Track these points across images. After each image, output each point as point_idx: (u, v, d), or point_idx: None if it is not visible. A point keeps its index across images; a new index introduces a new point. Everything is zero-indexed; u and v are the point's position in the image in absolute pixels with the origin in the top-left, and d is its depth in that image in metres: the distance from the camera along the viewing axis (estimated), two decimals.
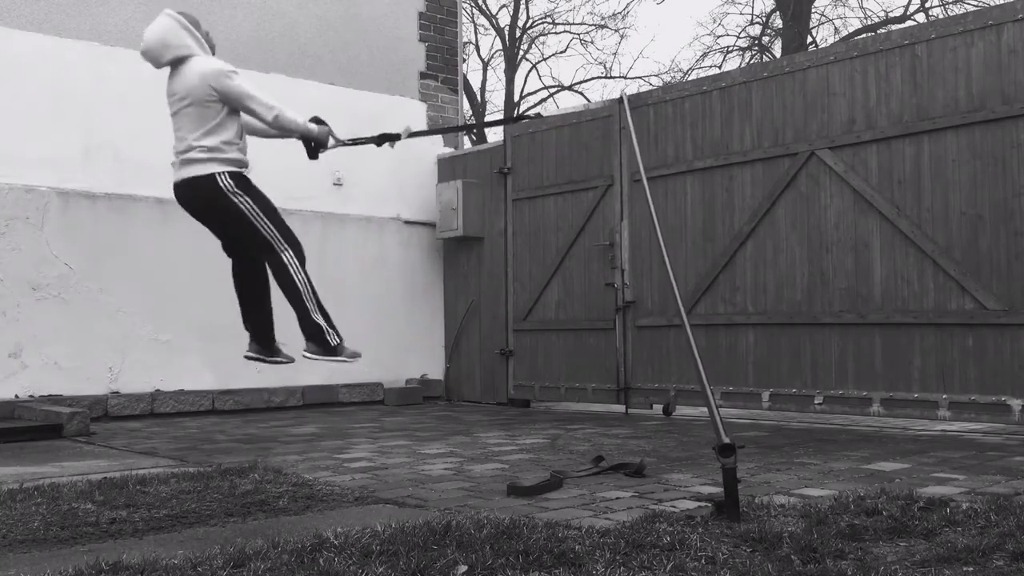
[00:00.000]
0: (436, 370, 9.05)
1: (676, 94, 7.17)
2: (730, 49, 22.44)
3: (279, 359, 5.67)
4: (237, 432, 6.25)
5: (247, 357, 5.58)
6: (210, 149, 4.87)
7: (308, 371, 7.19)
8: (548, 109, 27.15)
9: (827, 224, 6.20)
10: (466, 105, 23.61)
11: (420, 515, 3.13)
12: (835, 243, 6.16)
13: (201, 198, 4.98)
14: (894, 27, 15.07)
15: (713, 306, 6.80)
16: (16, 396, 6.79)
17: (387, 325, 8.73)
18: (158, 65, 5.08)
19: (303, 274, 5.08)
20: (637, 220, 7.30)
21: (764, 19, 22.35)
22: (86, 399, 6.95)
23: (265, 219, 5.01)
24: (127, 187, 7.43)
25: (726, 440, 3.15)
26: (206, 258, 7.18)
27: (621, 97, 7.28)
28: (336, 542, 2.63)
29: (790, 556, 2.48)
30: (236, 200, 4.89)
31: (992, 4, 11.30)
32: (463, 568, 2.37)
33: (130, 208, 7.45)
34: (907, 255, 5.82)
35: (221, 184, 4.86)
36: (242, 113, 4.98)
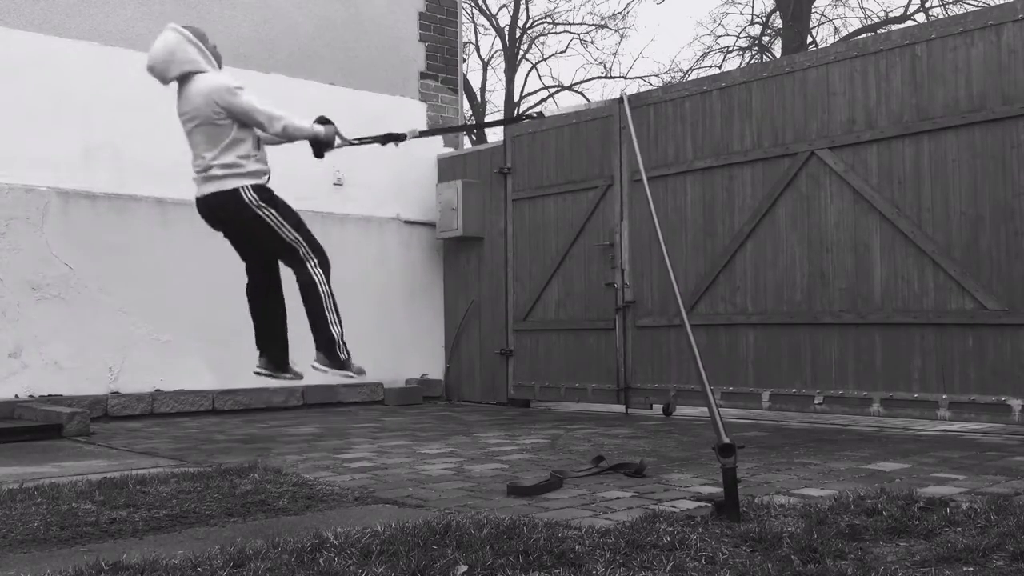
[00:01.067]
0: (436, 370, 9.05)
1: (676, 94, 7.17)
2: (730, 49, 22.44)
3: (288, 375, 5.73)
4: (237, 432, 6.25)
5: (257, 373, 5.65)
6: (229, 166, 4.90)
7: (308, 371, 7.19)
8: (548, 109, 27.16)
9: (827, 224, 6.20)
10: (466, 105, 23.60)
11: (420, 515, 3.13)
12: (835, 243, 6.16)
13: (225, 212, 5.04)
14: (894, 27, 15.07)
15: (713, 306, 6.80)
16: (16, 396, 6.79)
17: (387, 325, 8.73)
18: (165, 81, 5.07)
19: (326, 283, 5.16)
20: (637, 220, 7.30)
21: (764, 19, 22.35)
22: (86, 399, 6.95)
23: (291, 229, 5.09)
24: (127, 187, 7.43)
25: (726, 440, 3.15)
26: (206, 258, 7.21)
27: (621, 97, 7.28)
28: (336, 542, 2.63)
29: (790, 556, 2.48)
30: (261, 212, 4.95)
31: (992, 4, 11.30)
32: (463, 568, 2.37)
33: (130, 208, 7.45)
34: (907, 255, 5.83)
35: (246, 198, 4.91)
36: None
